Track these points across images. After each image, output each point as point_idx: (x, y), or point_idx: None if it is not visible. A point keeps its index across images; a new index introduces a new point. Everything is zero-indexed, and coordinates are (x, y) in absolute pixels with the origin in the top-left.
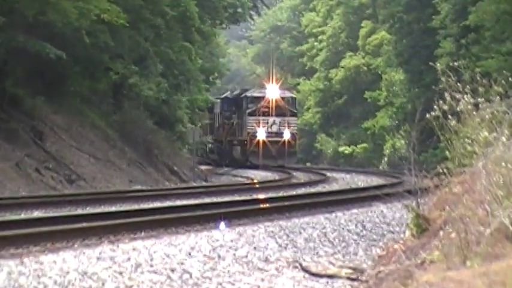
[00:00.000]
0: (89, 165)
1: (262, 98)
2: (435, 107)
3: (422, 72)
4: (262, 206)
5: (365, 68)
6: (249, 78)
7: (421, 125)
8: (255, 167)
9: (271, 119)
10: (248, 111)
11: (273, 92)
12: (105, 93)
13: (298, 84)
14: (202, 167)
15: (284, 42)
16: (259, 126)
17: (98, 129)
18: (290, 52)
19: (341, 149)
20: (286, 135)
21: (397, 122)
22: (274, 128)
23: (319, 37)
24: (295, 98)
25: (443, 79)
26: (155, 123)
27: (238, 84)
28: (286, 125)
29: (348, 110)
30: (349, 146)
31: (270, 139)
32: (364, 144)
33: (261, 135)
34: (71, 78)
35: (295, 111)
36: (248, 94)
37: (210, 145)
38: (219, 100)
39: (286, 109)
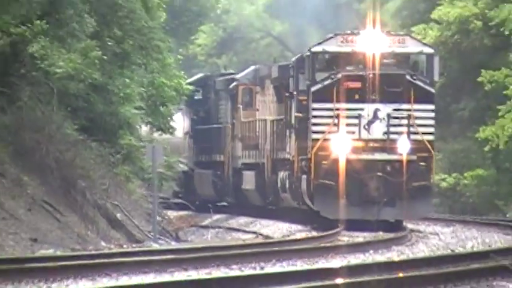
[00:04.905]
0: None
1: (350, 56)
2: None
3: None
4: None
5: (478, 24)
6: (259, 45)
7: None
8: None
9: (368, 109)
10: (314, 89)
11: (373, 41)
12: None
13: None
14: (171, 214)
15: None
16: (337, 127)
17: None
18: None
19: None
20: (404, 148)
21: None
22: (377, 131)
23: None
24: (432, 57)
25: None
26: (80, 129)
27: (238, 56)
28: (405, 122)
29: (447, 104)
30: (449, 175)
31: (366, 157)
32: (479, 171)
33: (342, 148)
34: None
35: (431, 90)
36: (316, 48)
37: (282, 173)
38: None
39: (407, 84)
